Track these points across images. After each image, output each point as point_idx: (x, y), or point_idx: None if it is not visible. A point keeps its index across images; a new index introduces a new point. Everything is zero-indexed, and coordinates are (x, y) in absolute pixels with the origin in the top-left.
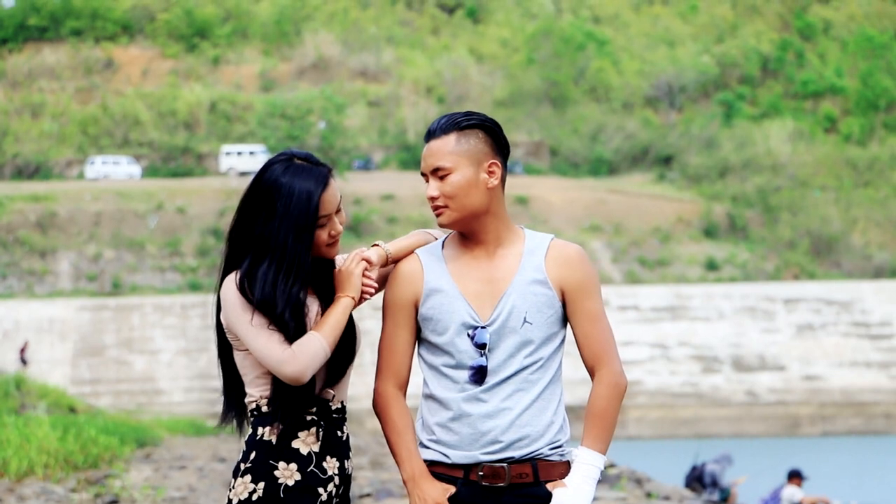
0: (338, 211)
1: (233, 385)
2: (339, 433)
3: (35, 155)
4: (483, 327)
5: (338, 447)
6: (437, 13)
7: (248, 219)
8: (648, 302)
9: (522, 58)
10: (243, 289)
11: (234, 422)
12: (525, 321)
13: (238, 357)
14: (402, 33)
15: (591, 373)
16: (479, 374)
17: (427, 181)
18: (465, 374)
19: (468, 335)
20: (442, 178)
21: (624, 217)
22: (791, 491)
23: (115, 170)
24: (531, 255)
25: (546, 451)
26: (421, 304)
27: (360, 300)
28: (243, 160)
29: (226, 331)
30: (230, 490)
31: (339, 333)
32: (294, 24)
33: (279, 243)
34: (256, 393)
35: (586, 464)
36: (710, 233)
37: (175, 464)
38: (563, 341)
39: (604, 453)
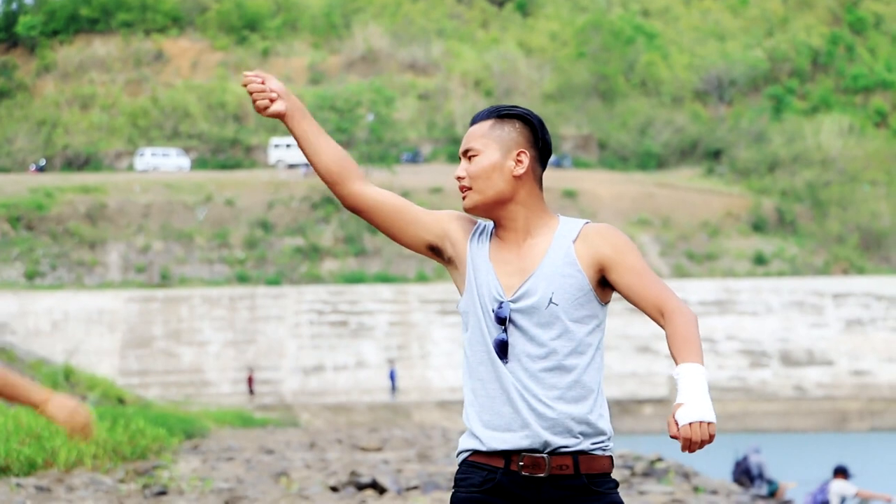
0: None
1: None
2: None
3: (85, 146)
4: (507, 302)
5: None
6: (487, 6)
7: None
8: (696, 296)
9: (572, 51)
10: None
11: None
12: (551, 302)
13: None
14: (452, 26)
15: (661, 317)
16: (501, 350)
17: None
18: (493, 353)
19: (492, 310)
20: (470, 159)
21: (672, 211)
22: (840, 485)
23: (164, 161)
24: (561, 239)
25: (588, 445)
26: (455, 267)
27: None
28: (292, 152)
29: None
30: None
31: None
32: (344, 17)
33: None
34: None
35: (693, 374)
36: (758, 227)
37: (223, 455)
38: (599, 325)
39: (702, 364)
